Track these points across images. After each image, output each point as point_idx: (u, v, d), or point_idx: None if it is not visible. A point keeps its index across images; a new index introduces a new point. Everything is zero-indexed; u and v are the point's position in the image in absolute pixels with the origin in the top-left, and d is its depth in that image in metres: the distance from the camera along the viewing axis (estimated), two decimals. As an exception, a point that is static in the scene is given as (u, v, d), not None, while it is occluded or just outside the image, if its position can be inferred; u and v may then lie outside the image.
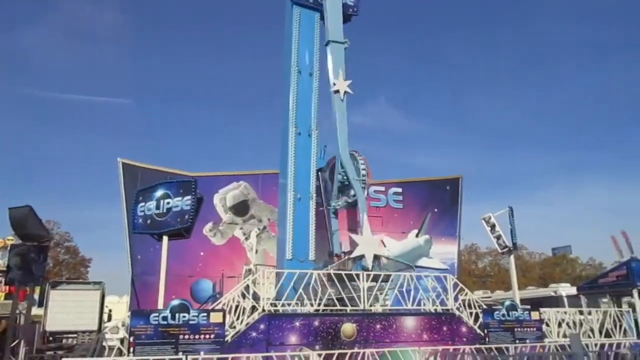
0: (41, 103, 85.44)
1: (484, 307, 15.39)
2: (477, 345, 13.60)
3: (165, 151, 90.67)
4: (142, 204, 13.80)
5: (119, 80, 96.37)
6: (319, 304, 13.47)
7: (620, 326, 16.32)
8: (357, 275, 14.02)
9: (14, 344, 13.55)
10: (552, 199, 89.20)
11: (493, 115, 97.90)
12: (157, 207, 13.50)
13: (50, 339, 17.44)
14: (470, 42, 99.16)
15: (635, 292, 17.01)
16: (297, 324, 12.68)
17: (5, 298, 22.18)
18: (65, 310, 17.79)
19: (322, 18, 17.70)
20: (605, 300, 20.42)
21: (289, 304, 13.20)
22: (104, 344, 12.98)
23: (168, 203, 13.45)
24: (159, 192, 13.67)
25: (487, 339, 14.07)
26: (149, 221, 13.59)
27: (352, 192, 16.73)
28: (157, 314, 11.52)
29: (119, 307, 24.50)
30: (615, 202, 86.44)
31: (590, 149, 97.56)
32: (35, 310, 18.03)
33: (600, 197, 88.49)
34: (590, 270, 51.75)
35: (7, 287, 22.20)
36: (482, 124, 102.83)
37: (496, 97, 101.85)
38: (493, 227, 17.04)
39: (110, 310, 22.91)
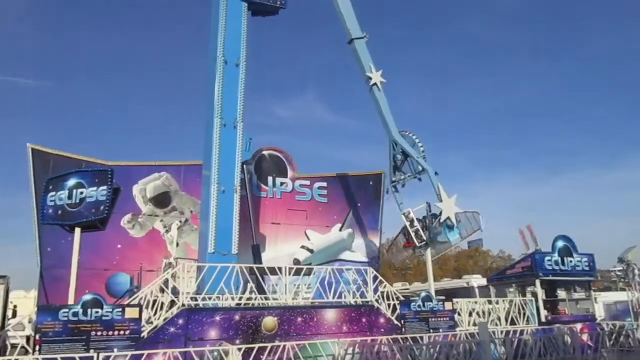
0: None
1: (402, 298, 16.01)
2: (394, 336, 14.12)
3: (84, 139, 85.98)
4: (53, 193, 13.00)
5: (34, 61, 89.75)
6: (240, 298, 13.39)
7: (524, 314, 17.60)
8: (280, 268, 14.07)
9: None
10: (469, 194, 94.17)
11: (416, 111, 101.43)
12: (69, 197, 12.78)
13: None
14: (399, 40, 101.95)
15: (537, 282, 18.36)
16: (217, 318, 12.53)
17: None
18: (-38, 306, 16.39)
19: (249, 8, 17.49)
20: (511, 290, 21.91)
21: (209, 298, 13.00)
22: (6, 342, 12.11)
23: (81, 193, 12.76)
24: (72, 181, 12.94)
25: (403, 329, 14.66)
26: (59, 211, 12.84)
27: (414, 168, 18.91)
28: (67, 310, 10.94)
29: (26, 302, 22.91)
30: (523, 197, 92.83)
31: (500, 147, 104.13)
32: None
33: (510, 192, 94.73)
34: (500, 262, 55.18)
35: None
36: (406, 120, 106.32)
37: (422, 94, 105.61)
38: (412, 222, 17.70)
39: (15, 306, 21.36)
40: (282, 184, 22.62)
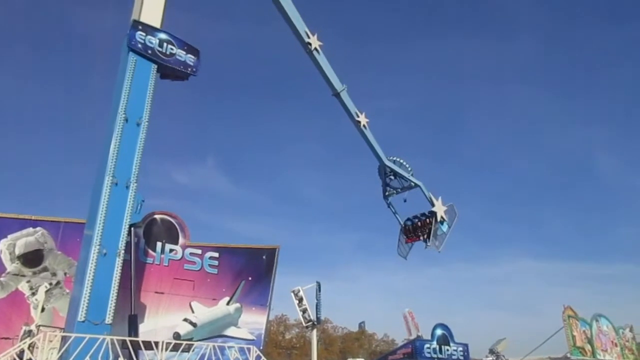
0: None
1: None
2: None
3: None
4: None
5: None
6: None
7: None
8: (156, 343, 13.10)
9: None
10: (353, 276, 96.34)
11: (305, 189, 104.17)
12: None
13: None
14: (286, 113, 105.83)
15: (416, 370, 18.81)
16: (77, 397, 11.20)
17: None
18: None
19: (159, 70, 17.42)
20: (393, 375, 22.12)
21: (71, 374, 11.66)
22: None
23: None
24: None
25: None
26: None
27: (404, 184, 24.51)
28: None
29: None
30: (403, 284, 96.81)
31: (377, 230, 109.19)
32: None
33: (390, 278, 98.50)
34: (384, 345, 56.01)
35: None
36: (295, 196, 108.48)
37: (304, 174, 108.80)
38: (301, 300, 17.67)
39: None
40: (171, 250, 21.57)
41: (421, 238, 23.49)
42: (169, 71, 17.83)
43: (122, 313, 15.66)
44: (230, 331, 22.06)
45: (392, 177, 24.70)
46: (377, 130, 23.54)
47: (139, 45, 16.72)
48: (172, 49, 17.61)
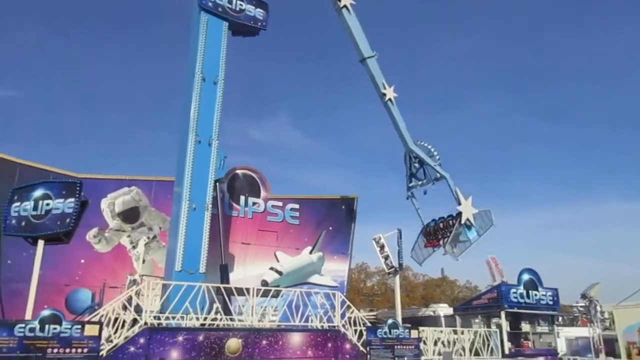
0: None
1: (369, 324, 15.95)
2: (359, 362, 14.00)
3: (54, 150, 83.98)
4: (18, 203, 12.63)
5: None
6: (205, 319, 13.13)
7: (488, 345, 17.73)
8: (247, 289, 13.89)
9: None
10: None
11: (378, 141, 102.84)
12: (35, 208, 12.44)
13: None
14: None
15: (502, 314, 18.58)
16: (180, 338, 12.22)
17: None
18: None
19: (230, 28, 17.62)
20: (477, 320, 22.10)
21: (173, 318, 12.70)
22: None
23: (48, 204, 12.44)
24: (38, 192, 12.62)
25: (368, 356, 14.56)
26: (23, 223, 12.47)
27: (431, 175, 20.62)
28: (23, 325, 10.52)
29: (-20, 316, 21.96)
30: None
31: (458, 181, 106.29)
32: None
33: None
34: (467, 292, 55.70)
35: None
36: (369, 148, 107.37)
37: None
38: (382, 247, 17.79)
39: (-33, 320, 20.47)
40: (254, 203, 22.49)
41: (441, 242, 19.98)
42: (239, 27, 18.00)
43: (214, 263, 16.70)
44: (314, 279, 22.88)
45: (417, 166, 21.11)
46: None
47: (210, 4, 16.94)
48: (241, 4, 17.68)
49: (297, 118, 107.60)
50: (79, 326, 11.02)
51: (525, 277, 19.55)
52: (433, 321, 23.26)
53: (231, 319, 13.53)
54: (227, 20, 17.42)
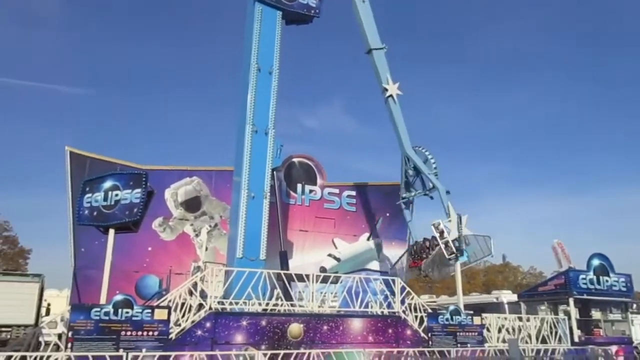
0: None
1: (429, 311, 15.76)
2: (421, 349, 13.89)
3: (119, 143, 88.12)
4: (89, 194, 13.32)
5: (72, 70, 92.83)
6: (267, 304, 13.42)
7: (556, 333, 17.08)
8: (307, 276, 14.05)
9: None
10: (492, 208, 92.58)
11: (433, 126, 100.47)
12: (105, 199, 13.08)
13: (-19, 331, 16.57)
14: (434, 54, 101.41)
15: (571, 301, 17.82)
16: (244, 323, 12.58)
17: None
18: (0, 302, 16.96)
19: (284, 17, 17.68)
20: (543, 307, 21.31)
21: (236, 303, 13.07)
22: (40, 339, 12.41)
23: (117, 195, 13.05)
24: (108, 184, 13.26)
25: (430, 343, 14.40)
26: (95, 213, 13.14)
27: (425, 184, 18.67)
28: (98, 309, 11.16)
29: (59, 301, 23.53)
30: (547, 215, 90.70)
31: (522, 163, 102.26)
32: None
33: (534, 209, 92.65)
34: (531, 278, 53.94)
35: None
36: (424, 132, 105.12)
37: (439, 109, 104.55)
38: (442, 233, 17.39)
39: (48, 304, 21.97)
40: (311, 191, 22.66)
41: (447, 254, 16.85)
42: (293, 16, 18.03)
43: (273, 250, 17.02)
44: (372, 265, 22.85)
45: (411, 173, 18.97)
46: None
47: (263, -6, 17.04)
48: (294, -8, 17.65)
49: (351, 105, 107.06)
50: (149, 310, 11.56)
51: (595, 262, 18.61)
52: (496, 308, 22.62)
53: (292, 305, 13.75)
54: (280, 9, 17.49)
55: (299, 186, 22.46)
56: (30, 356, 10.38)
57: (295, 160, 22.73)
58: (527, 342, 16.31)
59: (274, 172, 17.11)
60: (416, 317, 15.06)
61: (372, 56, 19.22)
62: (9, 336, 16.72)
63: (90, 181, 13.69)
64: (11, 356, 10.07)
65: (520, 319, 17.25)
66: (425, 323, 14.81)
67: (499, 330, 16.19)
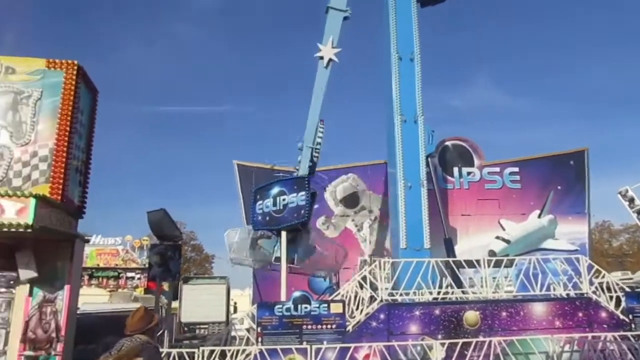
0: (159, 116, 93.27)
1: (627, 289, 13.97)
2: (622, 333, 12.36)
3: (273, 151, 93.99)
4: (260, 202, 14.43)
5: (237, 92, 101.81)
6: (438, 293, 13.17)
7: None
8: (478, 261, 13.48)
9: (159, 333, 14.93)
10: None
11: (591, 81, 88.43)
12: (274, 204, 14.04)
13: (185, 329, 19.01)
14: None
15: None
16: (417, 313, 12.48)
17: (145, 293, 24.62)
18: (197, 303, 19.25)
19: (418, 0, 17.24)
20: None
21: (407, 294, 13.05)
22: (232, 333, 13.80)
23: (284, 200, 13.92)
24: (275, 190, 14.21)
25: (633, 325, 12.74)
26: (267, 218, 14.19)
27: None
28: (281, 306, 12.00)
29: (242, 299, 26.06)
30: None
31: None
32: (170, 304, 19.76)
33: None
34: None
35: (146, 282, 24.60)
36: (584, 92, 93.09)
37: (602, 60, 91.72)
38: (632, 200, 15.26)
39: (235, 303, 24.39)
40: (469, 173, 21.74)
41: None
42: (427, -4, 17.50)
43: (437, 237, 16.70)
44: (548, 243, 21.14)
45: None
46: None
47: (395, -20, 16.80)
48: (426, -27, 17.13)
49: (497, 79, 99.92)
50: (326, 305, 12.10)
51: None
52: None
53: (464, 292, 13.30)
54: (414, -7, 17.09)
55: (455, 170, 21.69)
56: (229, 350, 11.59)
57: (448, 143, 22.01)
58: None
59: (428, 159, 16.75)
60: (610, 297, 13.46)
61: (329, 14, 15.99)
62: (206, 332, 18.93)
63: (260, 189, 14.81)
64: (213, 350, 11.35)
65: None
66: (623, 304, 13.16)
67: None
